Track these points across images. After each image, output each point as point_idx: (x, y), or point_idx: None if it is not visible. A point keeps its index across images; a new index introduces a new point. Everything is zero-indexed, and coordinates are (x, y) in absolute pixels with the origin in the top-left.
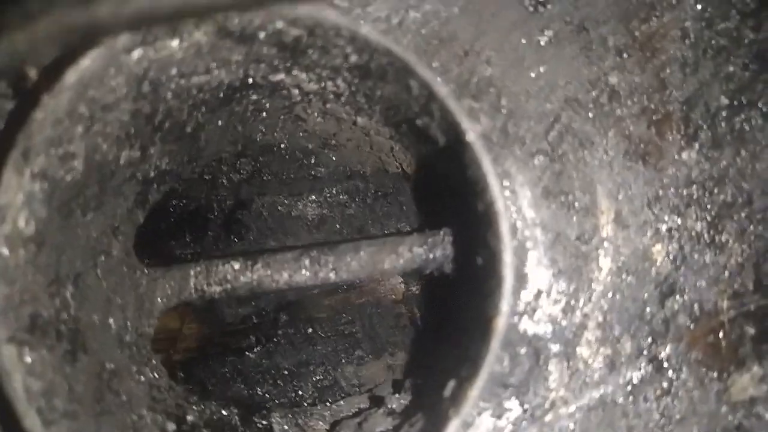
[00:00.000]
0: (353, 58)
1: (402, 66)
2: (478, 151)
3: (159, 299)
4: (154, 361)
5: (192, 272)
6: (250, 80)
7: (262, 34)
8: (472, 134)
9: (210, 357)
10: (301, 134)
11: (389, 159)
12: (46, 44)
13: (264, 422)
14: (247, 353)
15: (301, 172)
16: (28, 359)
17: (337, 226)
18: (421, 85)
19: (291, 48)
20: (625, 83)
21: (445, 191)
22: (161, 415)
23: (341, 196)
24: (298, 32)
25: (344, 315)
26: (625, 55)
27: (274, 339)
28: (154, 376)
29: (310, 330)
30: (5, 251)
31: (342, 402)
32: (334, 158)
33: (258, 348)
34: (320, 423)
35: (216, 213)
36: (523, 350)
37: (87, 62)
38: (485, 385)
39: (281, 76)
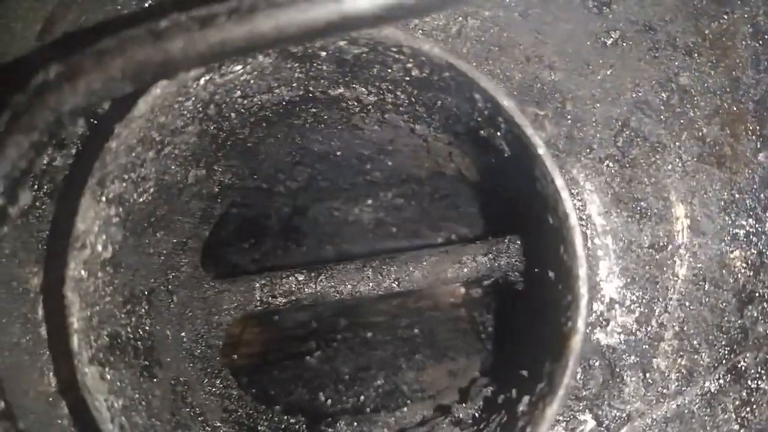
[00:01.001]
0: (414, 72)
1: (465, 80)
2: (550, 165)
3: (226, 311)
4: (223, 373)
5: (257, 284)
6: (310, 95)
7: (323, 54)
8: (542, 148)
9: (271, 362)
10: (357, 142)
11: (446, 163)
12: (119, 83)
13: (330, 429)
14: (307, 358)
15: (356, 178)
16: (109, 377)
17: (393, 229)
18: (485, 98)
19: (351, 64)
20: (697, 83)
21: (512, 199)
22: (234, 427)
23: (397, 200)
24: (358, 50)
25: (403, 319)
26: (695, 55)
27: (333, 343)
28: (225, 387)
29: (369, 334)
30: (85, 275)
31: (405, 409)
32: (389, 163)
33: (318, 353)
34: (385, 430)
35: (273, 220)
36: (596, 362)
37: (157, 92)
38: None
39: (340, 90)
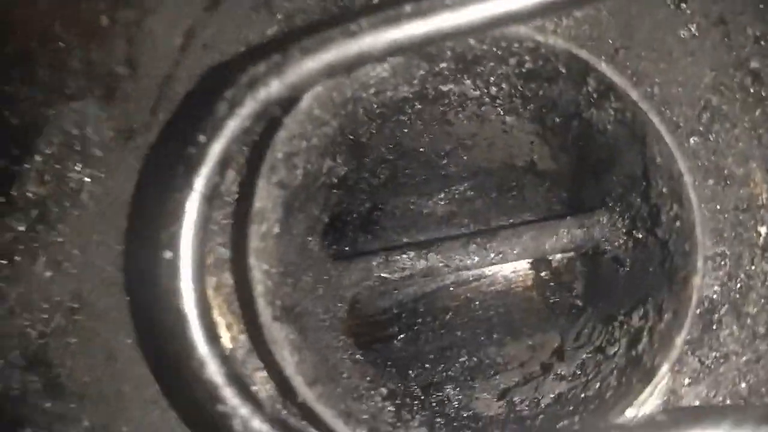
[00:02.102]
0: (528, 65)
1: (582, 66)
2: (663, 132)
3: (347, 287)
4: (349, 341)
5: (374, 263)
6: (424, 92)
7: (449, 53)
8: (656, 118)
9: (362, 345)
10: (442, 137)
11: (520, 153)
12: (318, 76)
13: (439, 393)
14: (393, 341)
15: (432, 173)
16: (288, 335)
17: (465, 220)
18: (598, 81)
19: (469, 61)
20: (765, 67)
21: (599, 176)
22: (367, 383)
23: (468, 193)
24: (483, 47)
25: (477, 302)
26: (762, 42)
27: (415, 327)
28: (351, 355)
29: (447, 317)
30: (262, 247)
31: (498, 376)
32: (464, 157)
33: (401, 336)
34: (485, 394)
35: (354, 216)
36: (697, 311)
37: (320, 88)
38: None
39: (450, 86)
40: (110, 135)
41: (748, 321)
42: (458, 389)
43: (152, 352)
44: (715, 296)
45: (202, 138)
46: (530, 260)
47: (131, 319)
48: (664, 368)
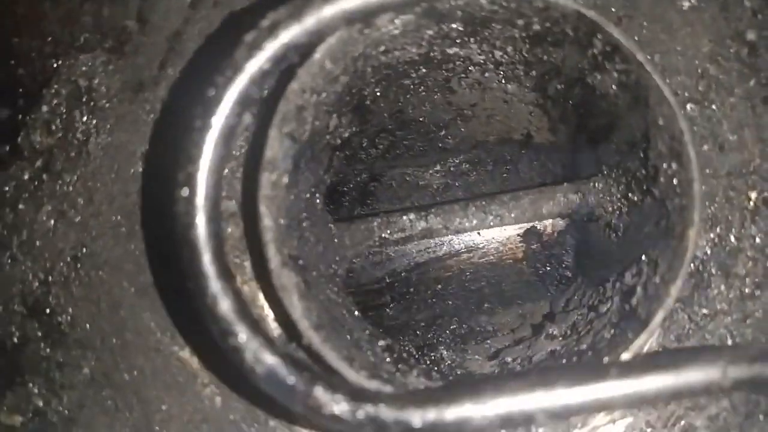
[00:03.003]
0: (536, 27)
1: (590, 27)
2: (665, 90)
3: (349, 246)
4: (348, 299)
5: (375, 224)
6: (431, 54)
7: (459, 13)
8: (660, 79)
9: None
10: (443, 106)
11: (517, 126)
12: (336, 22)
13: (433, 353)
14: (385, 309)
15: (430, 145)
16: (296, 283)
17: (460, 193)
18: (605, 42)
19: (477, 23)
20: (761, 38)
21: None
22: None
23: (464, 165)
24: (493, 7)
25: (469, 273)
26: (758, 15)
27: (407, 296)
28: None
29: (439, 287)
30: (272, 194)
31: (490, 340)
32: (462, 129)
33: (393, 304)
34: (477, 356)
35: (351, 185)
36: (688, 270)
37: (333, 40)
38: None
39: (456, 49)
40: (119, 87)
41: (737, 282)
42: (451, 351)
43: (163, 296)
44: (705, 257)
45: (221, 79)
46: (521, 233)
47: (138, 267)
48: (659, 317)
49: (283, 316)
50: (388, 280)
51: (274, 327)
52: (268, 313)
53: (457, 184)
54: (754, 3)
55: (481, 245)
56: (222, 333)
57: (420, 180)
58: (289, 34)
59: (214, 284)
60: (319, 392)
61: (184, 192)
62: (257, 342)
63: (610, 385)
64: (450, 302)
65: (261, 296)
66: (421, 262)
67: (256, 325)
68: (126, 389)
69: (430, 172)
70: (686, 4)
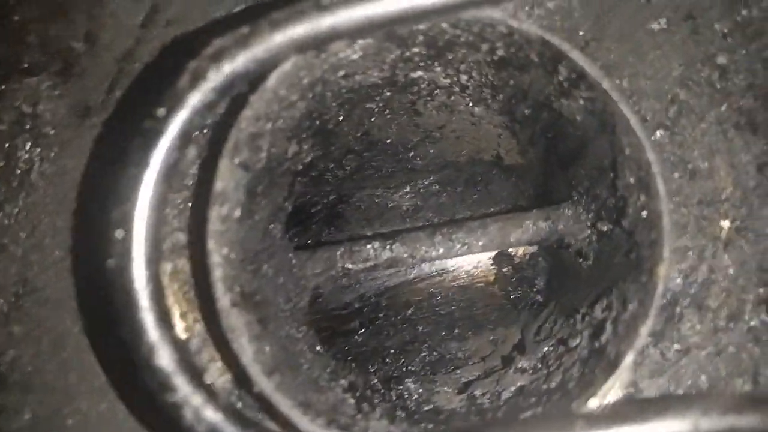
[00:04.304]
0: (500, 52)
1: (555, 53)
2: (632, 121)
3: (310, 276)
4: (310, 332)
5: (338, 253)
6: (394, 78)
7: (421, 37)
8: (626, 108)
9: (323, 340)
10: (410, 128)
11: (487, 147)
12: (287, 50)
13: (400, 387)
14: (353, 336)
15: (399, 166)
16: (244, 321)
17: (430, 214)
18: (570, 69)
19: (441, 47)
20: (732, 63)
21: (567, 168)
22: (328, 374)
23: (434, 186)
24: (455, 33)
25: (440, 297)
26: (729, 39)
27: (377, 322)
28: (311, 346)
29: (409, 312)
30: (222, 229)
31: (459, 371)
32: (431, 150)
33: (362, 330)
34: (445, 388)
35: (319, 208)
36: (660, 303)
37: (288, 66)
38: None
39: (420, 72)
40: (64, 113)
41: (710, 315)
42: (419, 383)
43: (101, 340)
44: (677, 289)
45: (161, 111)
46: (492, 256)
47: (79, 305)
48: (629, 357)
49: (232, 363)
50: (356, 305)
51: (222, 372)
52: (218, 358)
53: (427, 205)
54: (725, 26)
55: (452, 268)
56: (159, 387)
57: (389, 201)
58: (236, 63)
59: (152, 333)
60: None
61: (119, 234)
62: (199, 397)
63: None
64: (420, 327)
65: (210, 341)
66: (391, 285)
67: (199, 378)
68: None
69: (400, 193)
70: (656, 26)
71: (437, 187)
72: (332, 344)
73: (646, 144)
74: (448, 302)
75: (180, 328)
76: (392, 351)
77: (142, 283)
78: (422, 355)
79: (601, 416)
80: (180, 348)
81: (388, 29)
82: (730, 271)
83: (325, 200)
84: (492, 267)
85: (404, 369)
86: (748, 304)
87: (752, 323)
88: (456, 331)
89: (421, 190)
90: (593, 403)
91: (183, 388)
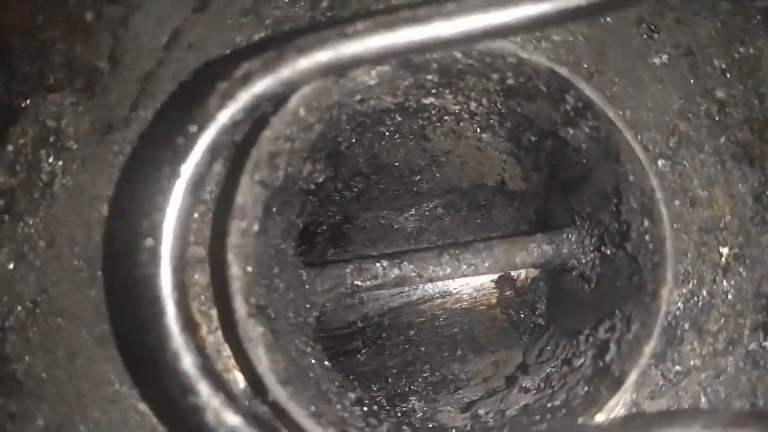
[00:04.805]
0: (509, 81)
1: (562, 84)
2: (637, 149)
3: (320, 293)
4: (317, 347)
5: (347, 270)
6: (406, 104)
7: (434, 65)
8: (630, 136)
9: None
10: (417, 152)
11: (491, 172)
12: (311, 74)
13: (404, 405)
14: (356, 355)
15: (405, 188)
16: (263, 334)
17: (434, 237)
18: (577, 99)
19: (452, 75)
20: (730, 97)
21: (569, 194)
22: (336, 387)
23: (438, 210)
24: (468, 61)
25: (442, 319)
26: (727, 74)
27: (379, 342)
28: (319, 360)
29: (411, 332)
30: (241, 242)
31: (462, 391)
32: (437, 174)
33: (365, 350)
34: (449, 407)
35: (325, 227)
36: (662, 325)
37: (308, 90)
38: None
39: (431, 99)
40: (87, 128)
41: (709, 338)
42: (422, 402)
43: (123, 347)
44: (678, 312)
45: (192, 128)
46: (495, 279)
47: (97, 315)
48: (633, 376)
49: (248, 370)
50: (360, 325)
51: (239, 380)
52: (234, 366)
53: (431, 228)
54: (723, 61)
55: (454, 290)
56: (182, 390)
57: (394, 223)
58: (263, 84)
59: (177, 339)
60: None
61: (149, 242)
62: (219, 400)
63: None
64: (422, 348)
65: (227, 348)
66: (394, 306)
67: (219, 383)
68: None
69: (405, 215)
70: (657, 61)
71: (441, 210)
72: (336, 363)
73: (649, 171)
74: (451, 324)
75: (204, 331)
76: (394, 371)
77: (168, 291)
78: (425, 375)
79: (607, 429)
80: (202, 353)
81: (404, 58)
82: (729, 296)
83: (332, 220)
84: (494, 290)
85: (407, 388)
86: (746, 329)
87: (750, 347)
88: (458, 352)
89: (426, 213)
90: (599, 419)
91: (205, 391)
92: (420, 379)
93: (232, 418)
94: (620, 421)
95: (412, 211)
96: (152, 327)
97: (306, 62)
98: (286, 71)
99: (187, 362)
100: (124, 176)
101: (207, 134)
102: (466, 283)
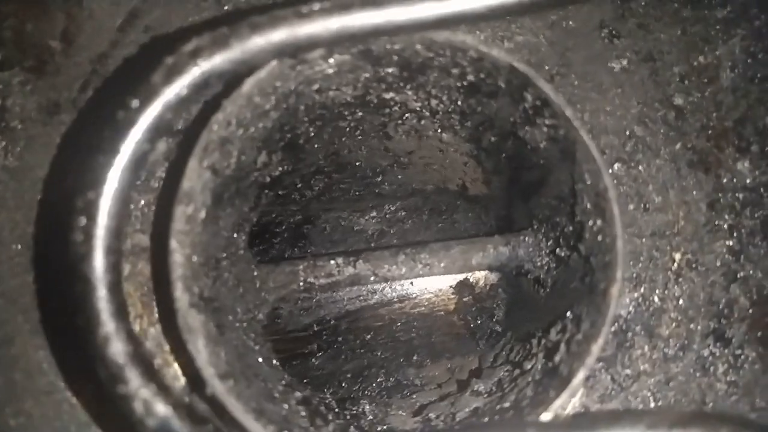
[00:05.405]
0: (470, 77)
1: (522, 80)
2: (593, 149)
3: (272, 290)
4: (266, 346)
5: (301, 267)
6: (367, 98)
7: (395, 57)
8: (586, 136)
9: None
10: (379, 152)
11: (453, 176)
12: (264, 53)
13: (355, 408)
14: (311, 359)
15: (367, 190)
16: (203, 321)
17: (394, 240)
18: (535, 97)
19: (413, 69)
20: (688, 104)
21: (529, 197)
22: (282, 386)
23: (400, 213)
24: (429, 54)
25: (400, 324)
26: (686, 81)
27: (335, 345)
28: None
29: (368, 337)
30: (186, 229)
31: (415, 396)
32: (399, 176)
33: (320, 353)
34: (400, 411)
35: (284, 227)
36: (612, 329)
37: (263, 74)
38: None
39: (392, 94)
40: (34, 108)
41: (660, 343)
42: (374, 405)
43: (54, 334)
44: (629, 317)
45: (134, 102)
46: (453, 285)
47: (34, 300)
48: (580, 375)
49: (186, 362)
50: (316, 328)
51: (179, 376)
52: (174, 361)
53: (392, 231)
54: (682, 69)
55: (413, 295)
56: (111, 378)
57: (355, 225)
58: (213, 62)
59: (107, 324)
60: None
61: (82, 221)
62: (150, 391)
63: None
64: (379, 353)
65: (166, 341)
66: (352, 310)
67: (151, 373)
68: None
69: (366, 217)
70: (617, 66)
71: (403, 213)
72: (289, 366)
73: (603, 170)
74: (408, 329)
75: (135, 324)
76: (349, 375)
77: (100, 273)
78: (379, 380)
79: (552, 426)
80: (134, 341)
81: (364, 48)
82: (681, 301)
83: (291, 220)
84: (453, 296)
85: (360, 393)
86: (697, 335)
87: (701, 353)
88: (414, 358)
89: (387, 216)
90: (545, 417)
91: (134, 380)
92: (374, 384)
93: (163, 409)
94: (566, 420)
95: (374, 213)
96: (82, 311)
97: (259, 40)
98: (238, 49)
99: (117, 349)
100: (62, 156)
101: (150, 110)
102: (425, 288)
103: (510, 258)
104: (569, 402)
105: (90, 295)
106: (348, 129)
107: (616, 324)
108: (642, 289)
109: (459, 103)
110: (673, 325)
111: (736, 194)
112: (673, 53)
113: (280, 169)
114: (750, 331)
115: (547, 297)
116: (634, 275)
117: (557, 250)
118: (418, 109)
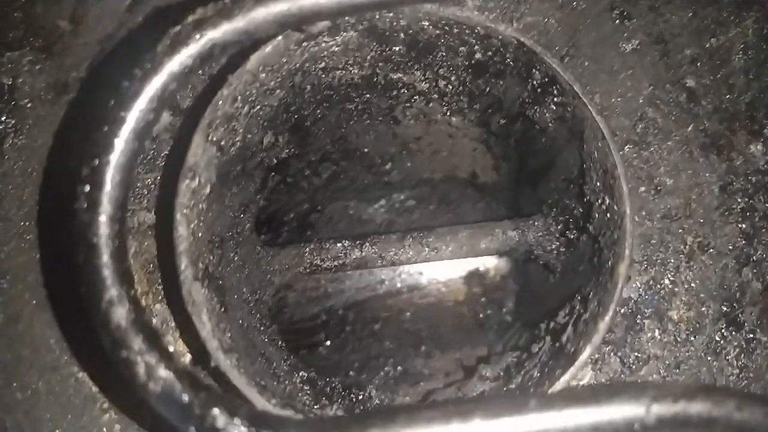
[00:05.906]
0: (477, 56)
1: (529, 57)
2: (603, 127)
3: (278, 271)
4: (271, 328)
5: (307, 250)
6: (374, 78)
7: (401, 35)
8: (597, 114)
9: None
10: (387, 137)
11: (462, 163)
12: (269, 24)
13: (361, 393)
14: (318, 348)
15: (375, 178)
16: (206, 295)
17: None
18: (543, 74)
19: (421, 48)
20: (700, 86)
21: (538, 180)
22: (287, 366)
23: (409, 202)
24: (435, 32)
25: (408, 314)
26: (698, 63)
27: (342, 335)
28: (272, 340)
29: (376, 327)
30: (190, 204)
31: (422, 383)
32: (408, 164)
33: (328, 343)
34: (407, 398)
35: (291, 216)
36: (621, 311)
37: (269, 49)
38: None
39: (399, 74)
40: (43, 88)
41: (670, 326)
42: (380, 391)
43: (60, 310)
44: (639, 299)
45: (138, 72)
46: (463, 275)
47: (41, 277)
48: (587, 352)
49: (191, 336)
50: (323, 318)
51: (183, 352)
52: (179, 337)
53: (400, 220)
54: (694, 51)
55: (422, 285)
56: (114, 344)
57: (363, 214)
58: (217, 31)
59: (110, 289)
60: (216, 414)
61: (86, 188)
62: (152, 356)
63: (529, 418)
64: (387, 343)
65: (172, 318)
66: (360, 300)
67: (155, 338)
68: (17, 410)
69: (374, 207)
70: (628, 47)
71: (412, 203)
72: (296, 356)
73: (612, 148)
74: (416, 320)
75: (141, 301)
76: (356, 365)
77: (104, 239)
78: (386, 369)
79: (554, 398)
80: (137, 307)
81: (369, 25)
82: (692, 285)
83: (299, 208)
84: (462, 286)
85: (367, 383)
86: (708, 319)
87: (712, 337)
88: (422, 348)
89: (396, 205)
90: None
91: (137, 345)
92: (381, 374)
93: (166, 374)
94: (566, 392)
95: (382, 203)
96: (86, 277)
97: (264, 11)
98: (242, 19)
99: (120, 313)
100: (66, 130)
101: (155, 80)
102: (435, 278)
103: (519, 243)
104: (576, 382)
105: (94, 261)
106: (355, 112)
107: (625, 307)
108: (653, 272)
109: (467, 83)
110: (684, 308)
111: (749, 177)
112: (685, 35)
113: (287, 152)
114: (762, 315)
115: (556, 283)
116: (645, 258)
117: (566, 233)
118: (425, 90)
